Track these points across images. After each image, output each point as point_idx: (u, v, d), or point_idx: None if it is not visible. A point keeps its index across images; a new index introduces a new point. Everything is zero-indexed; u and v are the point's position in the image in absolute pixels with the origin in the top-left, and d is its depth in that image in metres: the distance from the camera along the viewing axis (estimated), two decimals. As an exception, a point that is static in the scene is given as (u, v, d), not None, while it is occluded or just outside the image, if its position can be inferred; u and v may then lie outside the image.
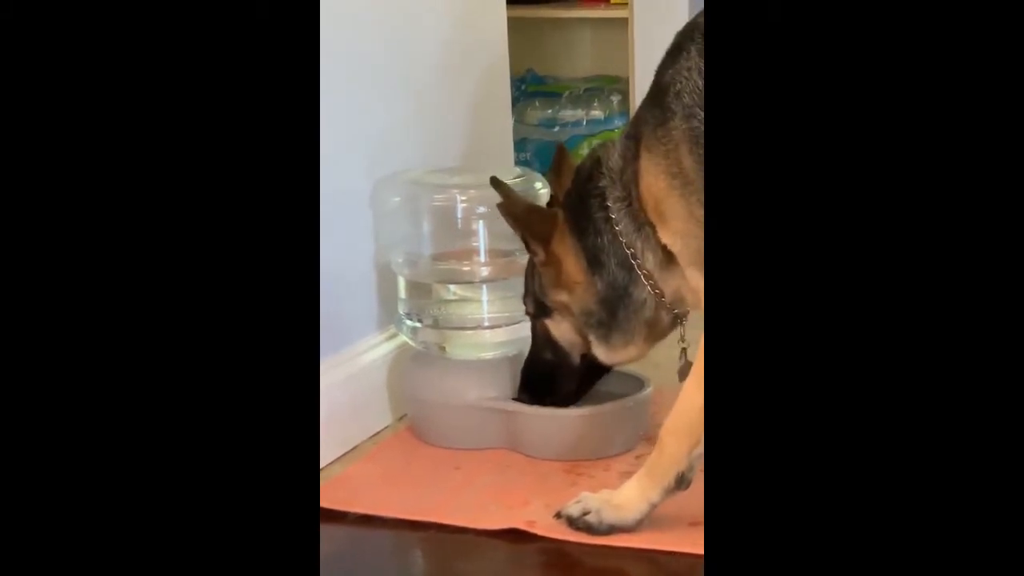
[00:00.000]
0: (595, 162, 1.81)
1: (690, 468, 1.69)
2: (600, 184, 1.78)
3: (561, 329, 1.89)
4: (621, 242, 1.77)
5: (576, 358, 1.91)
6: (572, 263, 1.83)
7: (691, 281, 1.72)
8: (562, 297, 1.86)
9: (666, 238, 1.72)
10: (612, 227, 1.78)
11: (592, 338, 1.86)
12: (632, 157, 1.74)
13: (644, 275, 1.78)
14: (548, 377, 1.95)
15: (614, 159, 1.77)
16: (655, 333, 1.85)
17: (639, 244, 1.77)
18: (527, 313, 1.94)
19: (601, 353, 1.87)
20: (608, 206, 1.77)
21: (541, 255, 1.85)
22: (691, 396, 1.67)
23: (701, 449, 1.66)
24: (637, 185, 1.73)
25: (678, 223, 1.69)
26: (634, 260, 1.77)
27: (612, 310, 1.82)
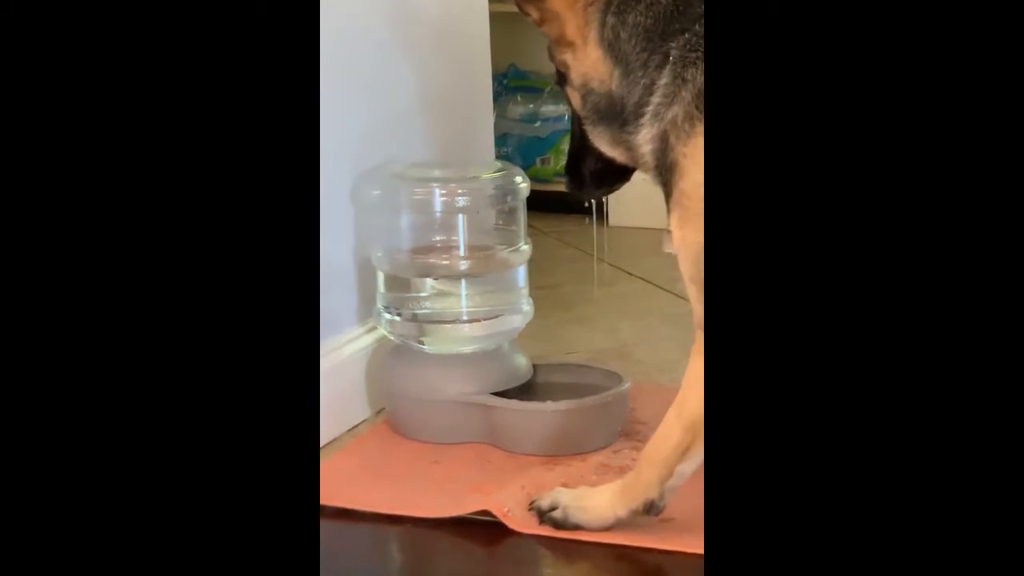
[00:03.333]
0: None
1: (661, 497, 1.66)
2: (686, 38, 1.59)
3: (574, 99, 1.75)
4: (651, 97, 1.61)
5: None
6: (574, 26, 1.68)
7: (690, 293, 1.62)
8: (565, 56, 1.71)
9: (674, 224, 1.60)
10: (654, 75, 1.61)
11: (584, 115, 1.72)
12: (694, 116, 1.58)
13: (639, 131, 1.64)
14: (573, 154, 1.82)
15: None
16: (632, 158, 1.71)
17: (653, 128, 1.61)
18: (556, 83, 1.80)
19: (586, 131, 1.74)
20: (671, 63, 1.59)
21: (535, 14, 1.71)
22: (670, 428, 1.64)
23: (675, 482, 1.65)
24: (682, 149, 1.58)
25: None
26: (641, 114, 1.63)
27: (608, 107, 1.68)
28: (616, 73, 1.65)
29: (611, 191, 1.89)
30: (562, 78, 1.74)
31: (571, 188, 1.85)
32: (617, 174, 1.79)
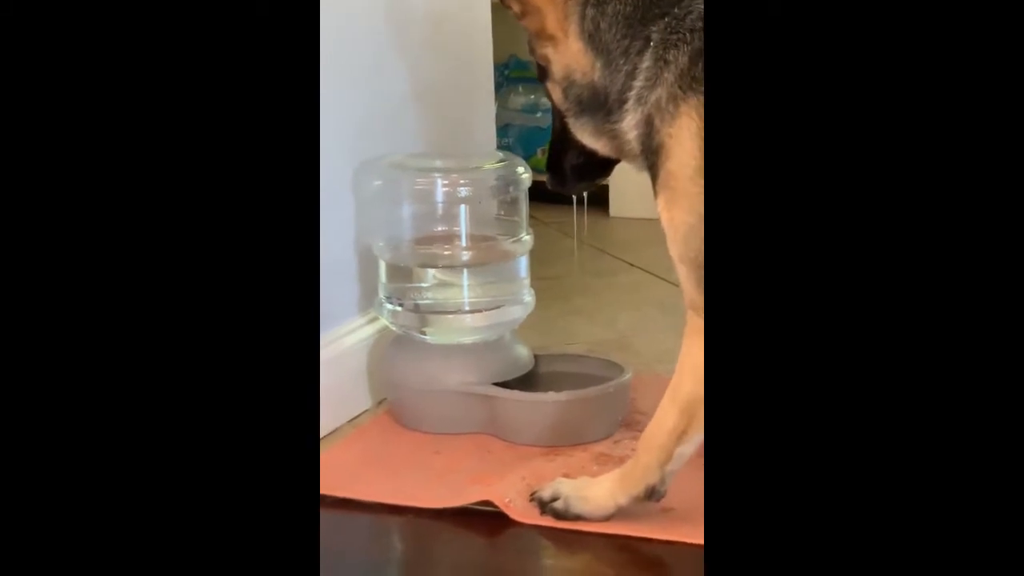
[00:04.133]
0: None
1: (662, 481, 1.67)
2: (667, 21, 1.58)
3: (555, 92, 1.74)
4: (633, 83, 1.61)
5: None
6: (554, 19, 1.67)
7: (679, 274, 1.62)
8: (546, 50, 1.71)
9: (662, 202, 1.59)
10: (635, 61, 1.60)
11: (566, 108, 1.72)
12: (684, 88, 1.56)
13: (623, 118, 1.63)
14: (554, 149, 1.82)
15: (683, 49, 1.56)
16: (616, 148, 1.71)
17: (636, 111, 1.61)
18: (537, 77, 1.79)
19: (568, 124, 1.74)
20: (652, 47, 1.58)
21: (516, 7, 1.70)
22: (666, 412, 1.65)
23: (675, 466, 1.66)
24: (673, 116, 1.57)
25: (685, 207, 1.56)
26: (624, 100, 1.62)
27: (590, 98, 1.68)
28: (598, 64, 1.65)
29: (593, 186, 1.89)
30: (543, 72, 1.74)
31: (552, 183, 1.85)
32: (599, 168, 1.79)
